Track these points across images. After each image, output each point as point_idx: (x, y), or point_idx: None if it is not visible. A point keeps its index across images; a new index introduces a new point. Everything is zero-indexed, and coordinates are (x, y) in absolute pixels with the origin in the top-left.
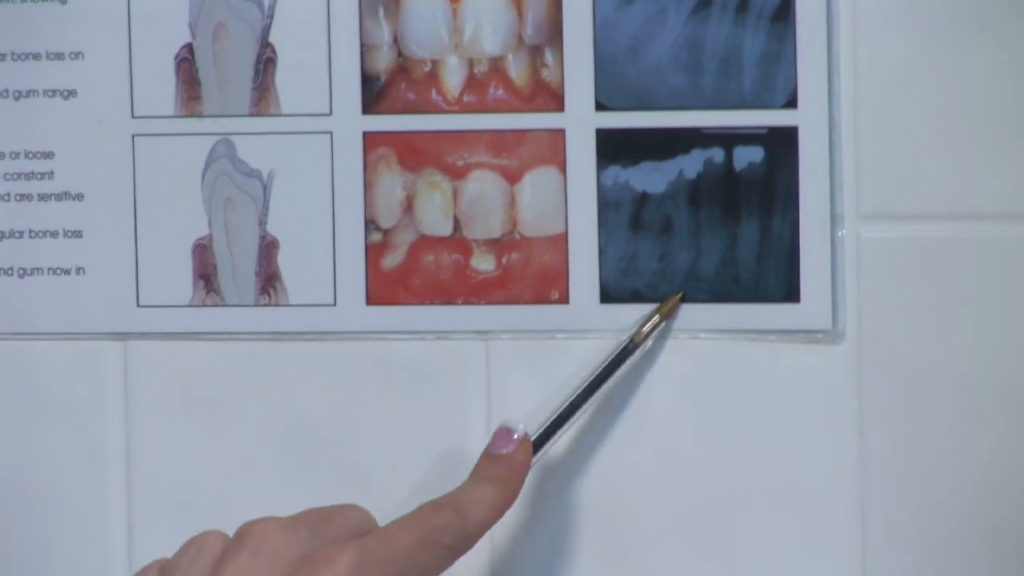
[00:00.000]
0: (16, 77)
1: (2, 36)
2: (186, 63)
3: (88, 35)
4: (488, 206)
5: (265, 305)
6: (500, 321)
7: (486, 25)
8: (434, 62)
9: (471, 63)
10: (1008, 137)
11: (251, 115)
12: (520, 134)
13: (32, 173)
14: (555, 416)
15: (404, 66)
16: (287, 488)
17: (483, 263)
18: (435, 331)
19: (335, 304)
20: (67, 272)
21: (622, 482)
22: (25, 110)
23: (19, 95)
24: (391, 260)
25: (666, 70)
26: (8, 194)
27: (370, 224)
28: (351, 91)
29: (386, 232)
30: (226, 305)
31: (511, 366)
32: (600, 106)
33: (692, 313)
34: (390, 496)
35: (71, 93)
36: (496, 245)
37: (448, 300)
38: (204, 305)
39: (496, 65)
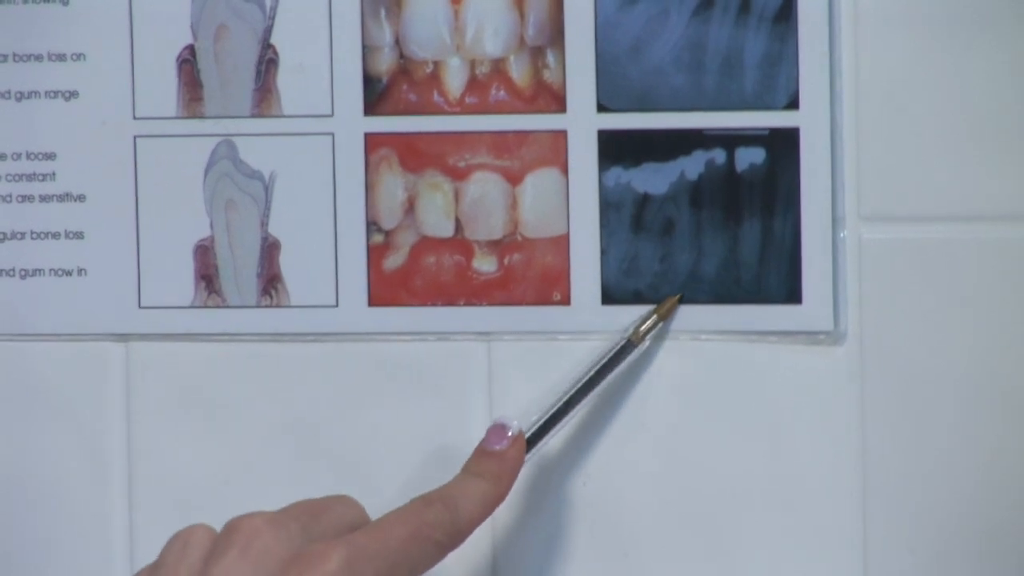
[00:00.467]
0: (18, 78)
1: (4, 37)
2: (188, 64)
3: (90, 36)
4: (489, 207)
5: (267, 306)
6: (502, 322)
7: (488, 26)
8: (436, 63)
9: (473, 64)
10: (1009, 138)
11: (253, 116)
12: (522, 135)
13: (34, 174)
14: (549, 414)
15: (406, 67)
16: (288, 489)
17: (485, 264)
18: (437, 332)
19: (337, 305)
20: (69, 273)
21: (625, 483)
22: (27, 111)
23: (21, 96)
24: (393, 261)
25: (668, 71)
26: (10, 195)
27: (372, 225)
28: (353, 92)
29: (388, 233)
30: (228, 306)
31: (513, 367)
32: (602, 107)
33: (693, 314)
34: (391, 496)
35: (73, 94)
36: (498, 246)
37: (450, 301)
38: (206, 306)
39: (498, 66)
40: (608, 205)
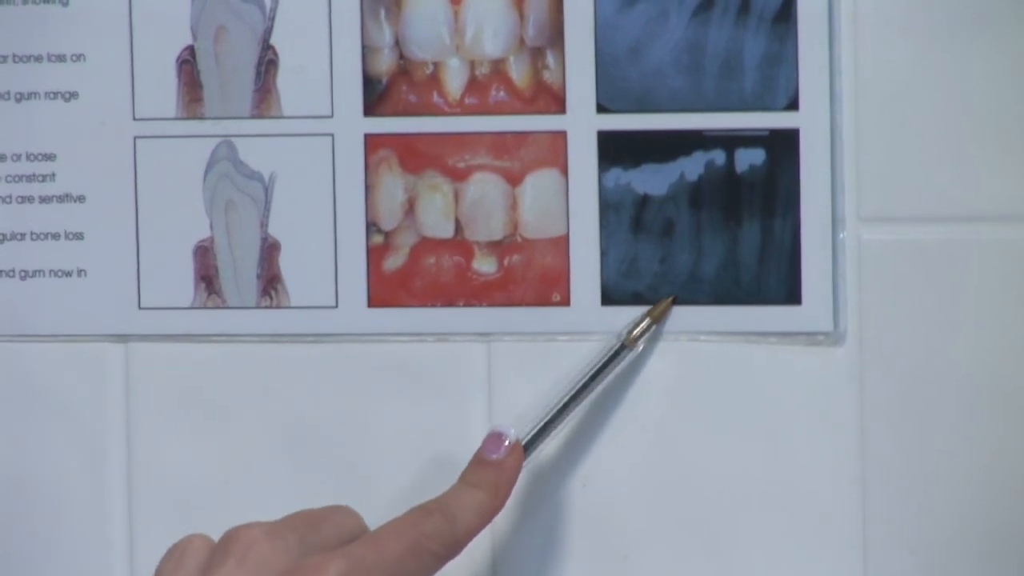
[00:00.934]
0: (18, 79)
1: (4, 38)
2: (187, 65)
3: (89, 37)
4: (489, 208)
5: (266, 307)
6: (501, 323)
7: (487, 27)
8: (435, 64)
9: (472, 65)
10: (1009, 139)
11: (252, 117)
12: (521, 136)
13: (33, 175)
14: (544, 421)
15: (405, 68)
16: (288, 490)
17: (484, 265)
18: (436, 333)
19: (336, 306)
20: (68, 274)
21: (624, 484)
22: (27, 112)
23: (21, 97)
24: (392, 262)
25: (667, 72)
26: (9, 196)
27: (371, 226)
28: (352, 93)
29: (387, 234)
30: (227, 307)
31: (512, 368)
32: (601, 108)
33: (693, 315)
34: (391, 498)
35: (73, 95)
36: (497, 247)
37: (449, 302)
38: (205, 307)
39: (497, 67)
40: (608, 206)
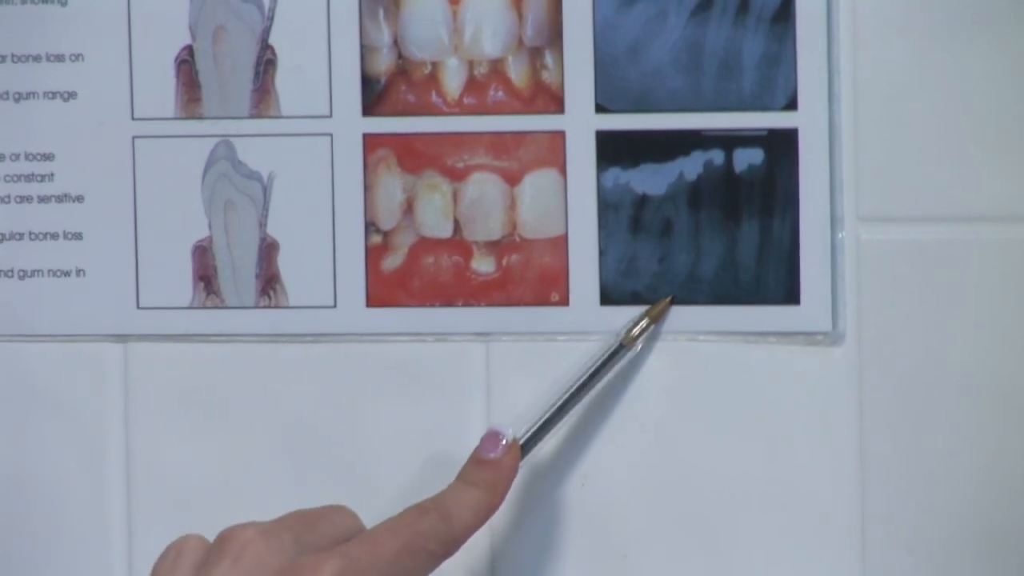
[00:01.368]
0: (16, 79)
1: (2, 38)
2: (186, 65)
3: (88, 37)
4: (488, 208)
5: (265, 307)
6: (500, 323)
7: (486, 27)
8: (434, 64)
9: (471, 65)
10: (1008, 139)
11: (251, 117)
12: (520, 136)
13: (32, 175)
14: (542, 420)
15: (404, 68)
16: (286, 489)
17: (483, 265)
18: (435, 333)
19: (335, 306)
20: (67, 274)
21: (623, 484)
22: (25, 112)
23: (19, 97)
24: (391, 262)
25: (666, 72)
26: (8, 196)
27: (370, 226)
28: (351, 93)
29: (386, 234)
30: (226, 307)
31: (511, 368)
32: (600, 108)
33: (692, 315)
34: (389, 497)
35: (71, 95)
36: (496, 247)
37: (448, 302)
38: (204, 307)
39: (496, 67)
40: (606, 206)
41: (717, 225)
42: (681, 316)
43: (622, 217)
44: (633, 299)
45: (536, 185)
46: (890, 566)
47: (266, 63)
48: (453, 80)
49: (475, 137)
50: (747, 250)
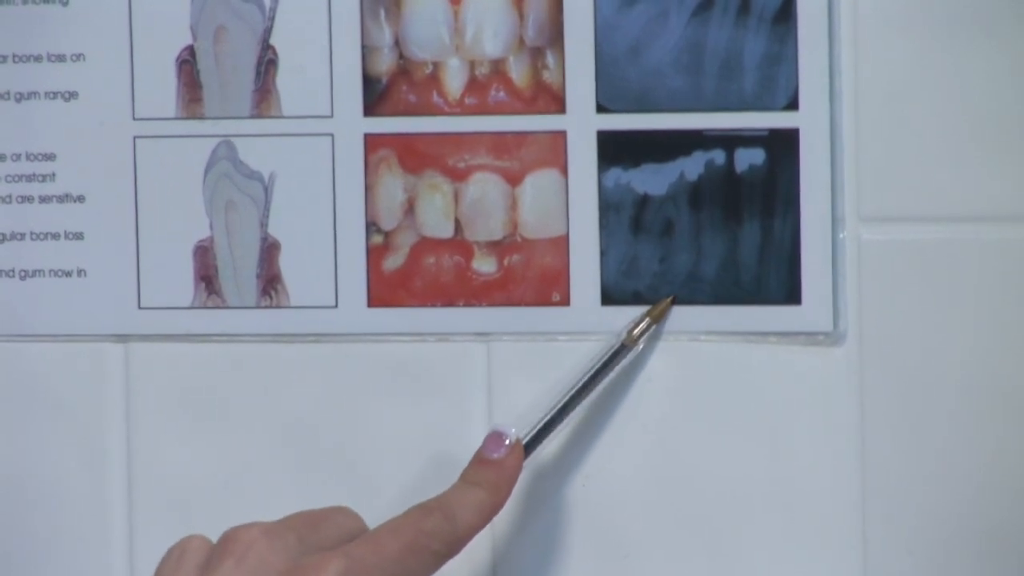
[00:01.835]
0: (17, 79)
1: (3, 38)
2: (187, 65)
3: (89, 37)
4: (489, 208)
5: (266, 307)
6: (501, 323)
7: (487, 27)
8: (435, 64)
9: (472, 65)
10: (1009, 139)
11: (252, 117)
12: (521, 136)
13: (33, 175)
14: (545, 421)
15: (405, 68)
16: (288, 490)
17: (484, 265)
18: (436, 333)
19: (336, 306)
20: (68, 274)
21: (624, 484)
22: (26, 112)
23: (20, 97)
24: (392, 262)
25: (667, 72)
26: (9, 196)
27: (371, 226)
28: (352, 93)
29: (387, 234)
30: (227, 307)
31: (512, 368)
32: (601, 108)
33: (693, 315)
34: (391, 497)
35: (72, 95)
36: (497, 247)
37: (449, 302)
38: (205, 307)
39: (497, 67)
40: (607, 206)
41: (718, 225)
42: (682, 316)
43: (623, 217)
44: (634, 299)
45: (537, 185)
46: (891, 566)
47: (267, 63)
48: (454, 80)
49: (476, 137)
50: (748, 250)
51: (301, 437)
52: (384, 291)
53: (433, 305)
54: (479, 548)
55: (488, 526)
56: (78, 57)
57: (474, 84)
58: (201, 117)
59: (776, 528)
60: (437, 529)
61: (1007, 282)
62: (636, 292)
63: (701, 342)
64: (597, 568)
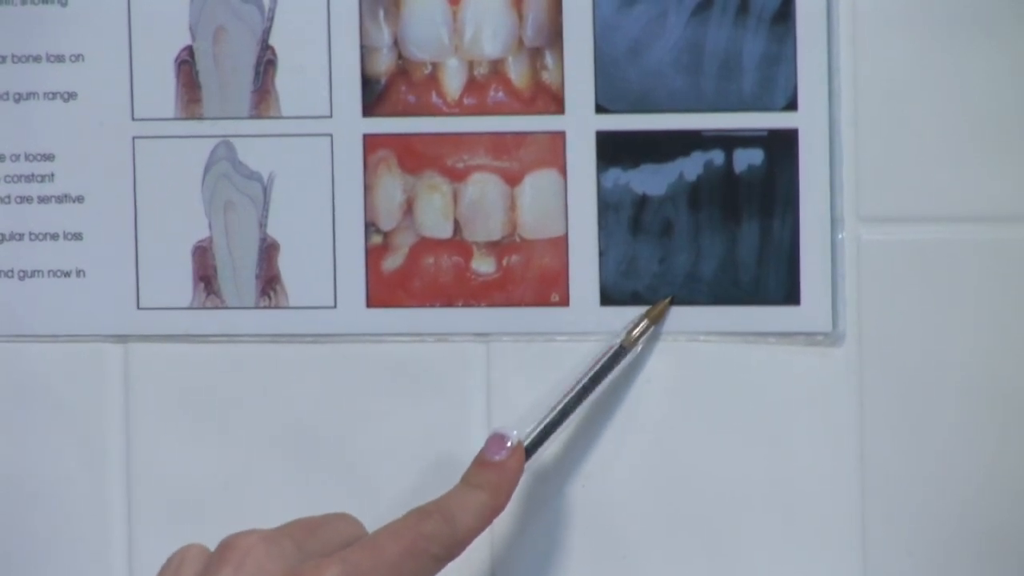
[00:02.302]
0: (16, 79)
1: (2, 38)
2: (186, 65)
3: (88, 37)
4: (488, 208)
5: (265, 307)
6: (500, 323)
7: (486, 27)
8: (434, 64)
9: (471, 65)
10: (1008, 139)
11: (251, 117)
12: (520, 136)
13: (32, 175)
14: (544, 423)
15: (404, 68)
16: (287, 490)
17: (483, 265)
18: (435, 333)
19: (335, 306)
20: (67, 274)
21: (623, 485)
22: (25, 112)
23: (19, 97)
24: (391, 262)
25: (666, 72)
26: (8, 196)
27: (370, 226)
28: (351, 93)
29: (386, 234)
30: (226, 307)
31: (511, 368)
32: (600, 108)
33: (692, 316)
34: (390, 498)
35: (71, 95)
36: (496, 247)
37: (448, 302)
38: (204, 307)
39: (496, 67)
40: (607, 206)
41: (717, 225)
42: (681, 317)
43: (622, 217)
44: (633, 299)
45: (536, 185)
46: (890, 567)
47: (266, 63)
48: (453, 80)
49: (475, 137)
50: (747, 250)
51: (300, 437)
52: (383, 291)
53: (432, 305)
54: (478, 550)
55: (488, 528)
56: (77, 57)
57: (473, 84)
58: (200, 117)
59: (776, 529)
60: (436, 532)
61: (1007, 282)
62: (635, 292)
63: (700, 343)
64: (596, 569)
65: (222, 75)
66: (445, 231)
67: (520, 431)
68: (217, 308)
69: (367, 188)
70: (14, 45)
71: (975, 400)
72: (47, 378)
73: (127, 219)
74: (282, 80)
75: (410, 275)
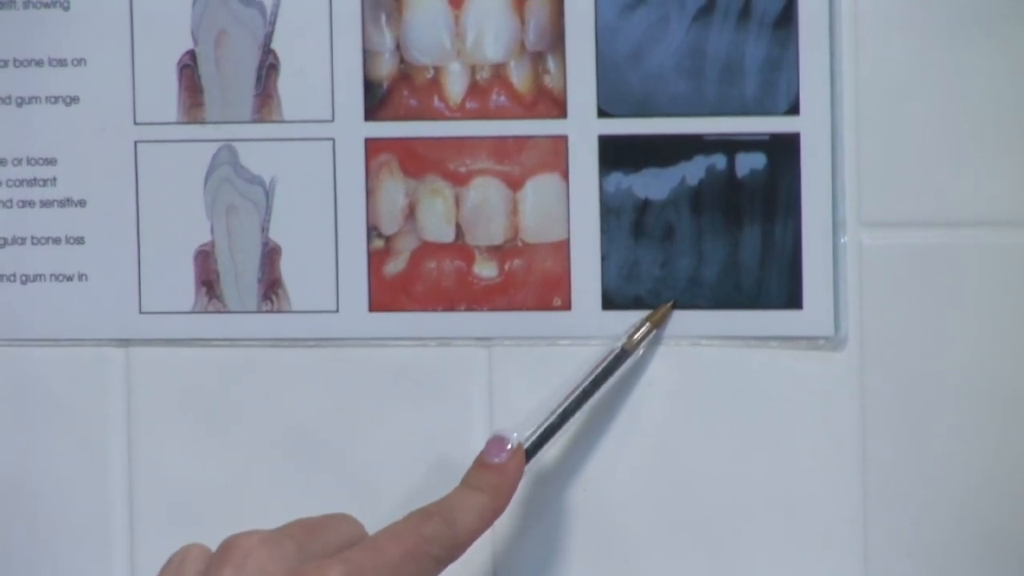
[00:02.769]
0: (19, 83)
1: (4, 42)
2: (188, 69)
3: (90, 41)
4: (490, 213)
5: (267, 312)
6: (502, 327)
7: (488, 31)
8: (436, 68)
9: (473, 70)
10: (1010, 143)
11: (253, 121)
12: (522, 141)
13: (34, 179)
14: (545, 426)
15: (406, 72)
16: (289, 494)
17: (485, 269)
18: (437, 337)
19: (337, 310)
20: (69, 278)
21: (625, 489)
22: (27, 116)
23: (21, 101)
24: (393, 266)
25: (668, 76)
26: (10, 200)
27: (372, 230)
28: (353, 97)
29: (388, 239)
30: (228, 312)
31: (513, 372)
32: (602, 113)
33: (694, 320)
34: (392, 502)
35: (73, 99)
36: (498, 252)
37: (450, 306)
38: (206, 311)
39: (498, 72)
40: (608, 210)
41: (719, 230)
42: (683, 321)
43: (624, 222)
44: (635, 304)
45: (538, 190)
46: (891, 569)
47: (268, 67)
48: (455, 85)
49: (477, 142)
50: (749, 254)
51: (302, 441)
52: (385, 295)
53: (434, 310)
54: (479, 553)
55: (489, 531)
56: (79, 61)
57: (475, 89)
58: (202, 121)
59: (777, 532)
60: (437, 534)
61: (1008, 286)
62: (637, 296)
63: (702, 346)
64: (598, 572)
65: (224, 79)
66: (447, 235)
67: (521, 434)
68: (219, 312)
69: (369, 192)
70: (16, 49)
71: (976, 403)
72: (49, 382)
73: (129, 223)
74: (284, 84)
75: (412, 279)
